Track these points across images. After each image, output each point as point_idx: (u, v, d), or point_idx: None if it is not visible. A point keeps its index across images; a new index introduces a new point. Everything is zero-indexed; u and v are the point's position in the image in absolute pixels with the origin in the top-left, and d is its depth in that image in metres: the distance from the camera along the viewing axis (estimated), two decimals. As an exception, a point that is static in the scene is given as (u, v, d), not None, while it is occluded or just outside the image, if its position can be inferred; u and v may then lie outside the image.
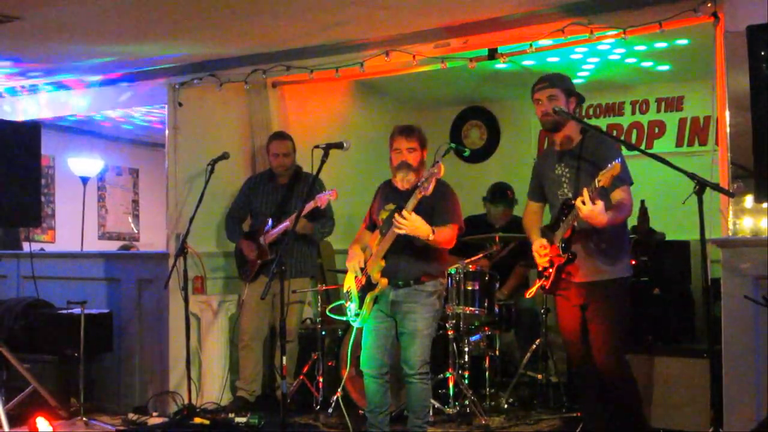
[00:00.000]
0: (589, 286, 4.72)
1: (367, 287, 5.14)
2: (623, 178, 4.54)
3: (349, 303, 5.32)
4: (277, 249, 6.36)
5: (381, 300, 5.14)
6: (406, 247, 5.01)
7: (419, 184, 4.76)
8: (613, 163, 4.25)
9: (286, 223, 6.37)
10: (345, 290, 5.38)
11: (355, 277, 5.25)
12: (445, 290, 5.36)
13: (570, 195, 4.71)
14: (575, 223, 4.57)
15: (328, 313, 5.72)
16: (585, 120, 4.95)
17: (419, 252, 5.04)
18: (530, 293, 5.30)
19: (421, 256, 5.07)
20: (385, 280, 5.05)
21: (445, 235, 5.00)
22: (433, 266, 5.17)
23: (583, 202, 4.30)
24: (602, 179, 4.27)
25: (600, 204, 4.32)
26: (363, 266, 5.19)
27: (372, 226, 5.40)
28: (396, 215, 4.82)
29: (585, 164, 4.67)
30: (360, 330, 5.36)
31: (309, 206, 6.14)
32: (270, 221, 6.53)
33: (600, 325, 4.71)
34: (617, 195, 4.56)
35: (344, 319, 5.43)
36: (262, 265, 6.58)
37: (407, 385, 5.14)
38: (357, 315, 5.23)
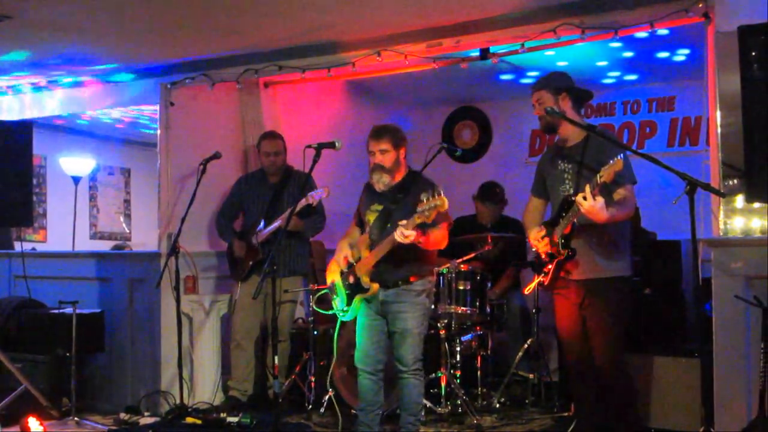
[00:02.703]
0: (588, 283, 4.73)
1: (356, 289, 5.14)
2: (626, 177, 4.55)
3: (334, 296, 5.32)
4: (269, 248, 6.36)
5: (371, 300, 5.15)
6: (394, 250, 4.99)
7: (420, 210, 4.65)
8: (616, 158, 4.26)
9: (278, 222, 6.37)
10: (329, 282, 5.38)
11: (341, 271, 5.25)
12: (434, 288, 5.35)
13: (572, 191, 4.71)
14: (575, 220, 4.59)
15: (314, 307, 5.69)
16: (579, 119, 4.92)
17: (407, 254, 5.02)
18: (529, 289, 5.37)
19: (408, 257, 5.05)
20: (376, 285, 5.05)
21: (437, 237, 4.99)
22: (421, 266, 5.16)
23: (585, 198, 4.32)
24: (604, 174, 4.28)
25: (600, 200, 4.33)
26: (353, 262, 5.17)
27: (360, 223, 5.41)
28: (398, 233, 4.75)
29: (588, 161, 4.68)
30: (344, 324, 5.39)
31: (300, 203, 6.15)
32: (263, 222, 6.54)
33: (598, 323, 4.73)
34: (620, 193, 4.58)
35: (331, 312, 5.43)
36: (254, 265, 6.58)
37: (400, 381, 5.14)
38: (344, 311, 5.25)
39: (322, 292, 5.59)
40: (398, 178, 5.18)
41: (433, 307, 6.36)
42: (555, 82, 4.92)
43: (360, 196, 5.46)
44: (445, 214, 5.03)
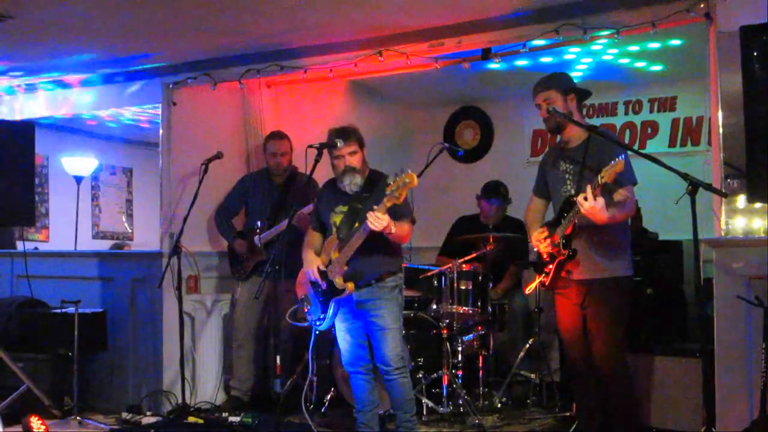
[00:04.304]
0: (589, 283, 4.75)
1: (331, 292, 5.11)
2: (627, 177, 4.56)
3: (307, 308, 5.30)
4: (271, 249, 6.36)
5: (345, 304, 5.14)
6: (364, 249, 4.97)
7: (389, 192, 4.63)
8: (617, 159, 4.28)
9: (283, 223, 6.35)
10: (300, 296, 5.35)
11: (312, 282, 5.21)
12: (404, 284, 5.35)
13: (573, 192, 4.72)
14: (576, 220, 4.59)
15: (288, 320, 5.63)
16: (582, 119, 4.93)
17: (377, 251, 5.03)
18: (530, 289, 5.38)
19: (379, 255, 5.06)
20: (351, 285, 5.03)
21: (403, 230, 4.96)
22: (392, 263, 5.18)
23: (585, 198, 4.33)
24: (605, 175, 4.29)
25: (601, 201, 4.35)
26: (324, 269, 5.13)
27: (319, 227, 5.39)
28: (371, 217, 4.71)
29: (589, 162, 4.69)
30: (317, 334, 5.38)
31: (307, 209, 6.13)
32: (259, 223, 6.54)
33: (599, 323, 4.74)
34: (620, 194, 4.58)
35: (305, 325, 5.41)
36: (256, 265, 6.58)
37: (388, 383, 5.14)
38: (320, 320, 5.22)
39: (294, 308, 5.54)
40: (364, 177, 5.20)
41: (434, 306, 6.39)
42: (563, 82, 4.92)
43: (318, 200, 5.45)
44: (409, 208, 5.07)
